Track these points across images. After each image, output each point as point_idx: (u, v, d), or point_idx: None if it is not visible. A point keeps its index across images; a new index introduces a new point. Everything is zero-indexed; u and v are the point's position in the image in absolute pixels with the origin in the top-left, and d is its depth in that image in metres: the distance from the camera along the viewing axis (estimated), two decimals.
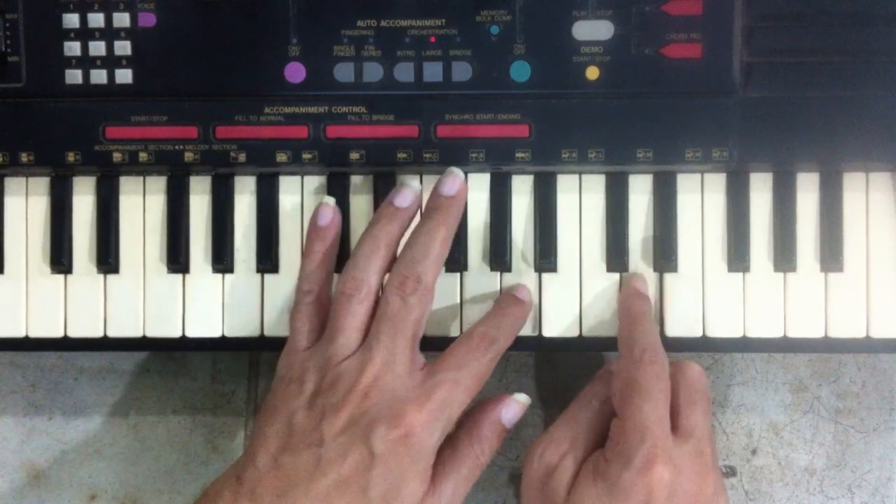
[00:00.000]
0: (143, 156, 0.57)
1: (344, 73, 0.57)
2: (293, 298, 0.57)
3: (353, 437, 0.51)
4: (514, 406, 0.55)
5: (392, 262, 0.55)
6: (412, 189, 0.56)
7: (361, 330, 0.53)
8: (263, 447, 0.52)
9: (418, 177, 0.58)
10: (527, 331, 0.57)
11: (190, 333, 0.58)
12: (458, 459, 0.53)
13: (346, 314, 0.53)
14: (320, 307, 0.55)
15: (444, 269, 0.58)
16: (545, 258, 0.57)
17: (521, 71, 0.56)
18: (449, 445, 0.54)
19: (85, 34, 0.57)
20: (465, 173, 0.58)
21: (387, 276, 0.55)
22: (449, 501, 0.53)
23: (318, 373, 0.53)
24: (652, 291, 0.57)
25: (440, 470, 0.53)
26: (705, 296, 0.57)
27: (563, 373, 0.63)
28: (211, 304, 0.58)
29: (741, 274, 0.57)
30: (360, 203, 0.58)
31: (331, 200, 0.57)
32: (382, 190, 0.58)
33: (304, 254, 0.56)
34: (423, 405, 0.51)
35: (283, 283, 0.58)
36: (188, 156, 0.57)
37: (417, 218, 0.56)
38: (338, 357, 0.53)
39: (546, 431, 0.55)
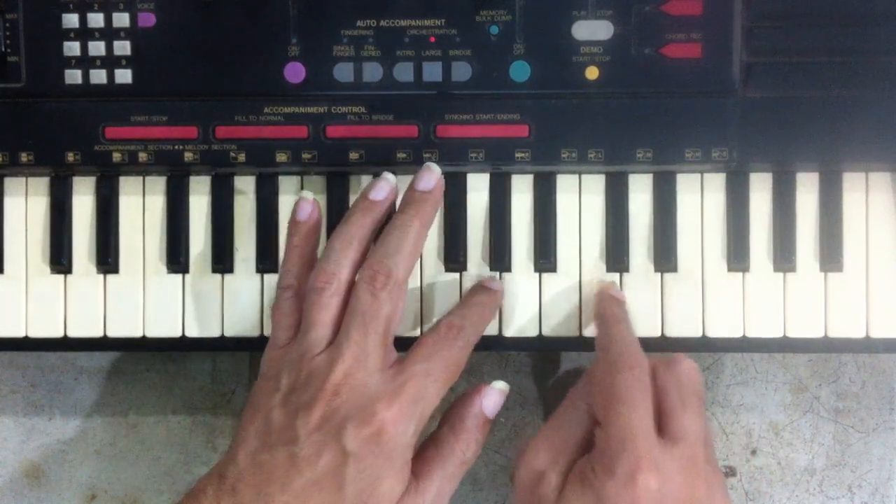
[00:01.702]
0: (142, 156, 0.57)
1: (344, 73, 0.57)
2: None
3: (326, 435, 0.50)
4: (494, 394, 0.55)
5: (363, 256, 0.54)
6: (387, 182, 0.55)
7: (334, 324, 0.53)
8: (243, 445, 0.52)
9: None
10: (527, 331, 0.57)
11: (190, 333, 0.58)
12: (442, 456, 0.53)
13: (319, 308, 0.53)
14: (299, 303, 0.55)
15: (443, 269, 0.58)
16: (545, 258, 0.57)
17: (520, 71, 0.56)
18: (432, 443, 0.54)
19: (85, 34, 0.57)
20: (465, 173, 0.58)
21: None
22: (434, 499, 0.52)
23: (293, 369, 0.52)
24: (652, 291, 0.57)
25: (424, 468, 0.53)
26: (705, 296, 0.57)
27: (563, 372, 0.63)
28: (210, 304, 0.58)
29: (741, 274, 0.57)
30: None
31: (308, 195, 0.56)
32: None
33: (285, 249, 0.56)
34: (393, 401, 0.51)
35: None
36: (188, 156, 0.57)
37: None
38: (311, 352, 0.52)
39: (534, 436, 0.54)
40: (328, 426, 0.50)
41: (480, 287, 0.56)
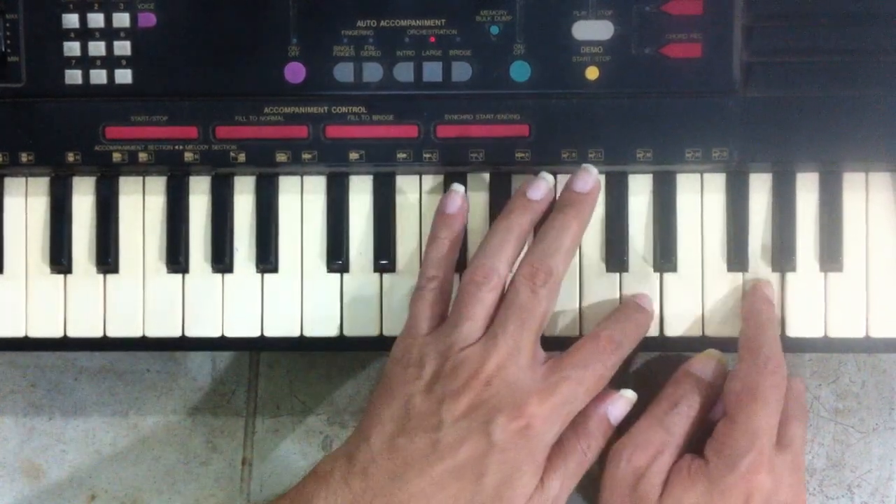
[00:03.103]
0: (142, 156, 0.57)
1: (344, 73, 0.57)
2: (289, 297, 0.57)
3: (472, 423, 0.50)
4: (621, 402, 0.55)
5: (520, 254, 0.55)
6: (545, 182, 0.55)
7: (487, 319, 0.53)
8: (378, 429, 0.52)
9: (551, 174, 0.57)
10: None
11: (190, 333, 0.58)
12: (565, 455, 0.53)
13: (475, 302, 0.53)
14: (442, 295, 0.55)
15: None
16: None
17: (521, 71, 0.56)
18: (556, 443, 0.53)
19: (85, 34, 0.57)
20: (465, 173, 0.58)
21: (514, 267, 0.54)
22: (556, 497, 0.53)
23: (439, 358, 0.52)
24: (652, 291, 0.57)
25: (548, 465, 0.53)
26: (705, 295, 0.57)
27: None
28: (211, 304, 0.58)
29: (741, 274, 0.57)
30: (361, 203, 0.58)
31: (460, 188, 0.56)
32: (380, 191, 0.58)
33: (430, 240, 0.56)
34: (545, 399, 0.51)
35: (283, 283, 0.58)
36: (188, 156, 0.57)
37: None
38: (461, 344, 0.52)
39: (629, 434, 0.55)
40: (475, 415, 0.51)
41: (637, 305, 0.56)
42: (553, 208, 0.55)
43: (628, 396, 0.55)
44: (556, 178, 0.57)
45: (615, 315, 0.56)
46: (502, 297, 0.54)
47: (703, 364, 0.56)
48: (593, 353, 0.53)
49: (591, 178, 0.55)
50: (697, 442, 0.55)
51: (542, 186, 0.55)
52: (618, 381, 0.55)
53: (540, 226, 0.55)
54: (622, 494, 0.53)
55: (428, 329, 0.54)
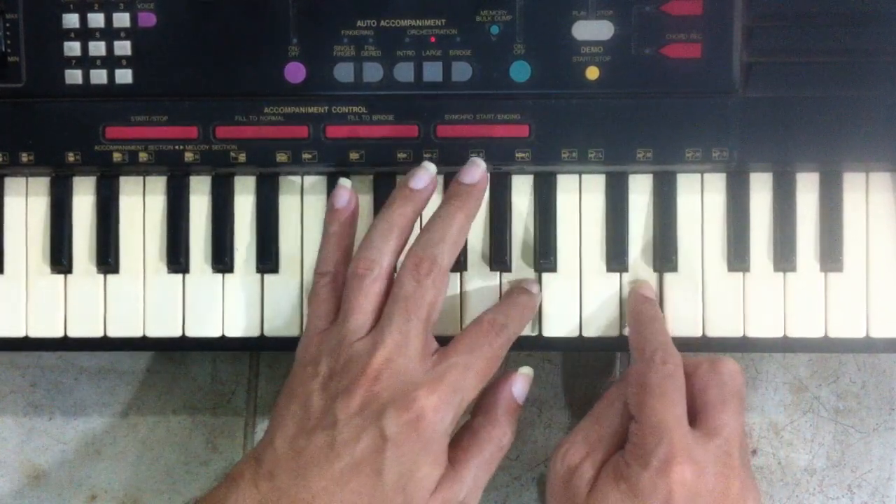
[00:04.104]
0: (143, 156, 0.57)
1: (344, 73, 0.57)
2: (289, 297, 0.57)
3: (365, 419, 0.51)
4: (521, 379, 0.55)
5: (405, 246, 0.55)
6: (427, 171, 0.55)
7: (374, 311, 0.53)
8: (281, 430, 0.52)
9: (433, 164, 0.57)
10: (527, 331, 0.57)
11: (190, 333, 0.58)
12: (478, 444, 0.53)
13: (359, 294, 0.53)
14: (337, 290, 0.55)
15: None
16: (545, 258, 0.57)
17: (521, 71, 0.56)
18: (468, 431, 0.54)
19: (85, 34, 0.57)
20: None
21: (401, 259, 0.54)
22: (472, 487, 0.53)
23: (332, 355, 0.53)
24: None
25: (462, 455, 0.53)
26: (705, 296, 0.57)
27: (564, 373, 0.63)
28: (211, 304, 0.58)
29: (741, 274, 0.57)
30: (362, 203, 0.58)
31: (347, 183, 0.57)
32: (382, 190, 0.58)
33: (322, 236, 0.56)
34: (434, 389, 0.51)
35: (282, 283, 0.58)
36: (188, 156, 0.57)
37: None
38: (350, 338, 0.53)
39: (570, 432, 0.55)
40: (368, 411, 0.51)
41: (521, 289, 0.57)
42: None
43: (526, 372, 0.56)
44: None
45: (501, 300, 0.56)
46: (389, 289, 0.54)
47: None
48: (477, 338, 0.53)
49: (479, 171, 0.55)
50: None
51: (424, 176, 0.55)
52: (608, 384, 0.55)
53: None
54: (558, 491, 0.53)
55: (323, 326, 0.54)
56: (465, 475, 0.52)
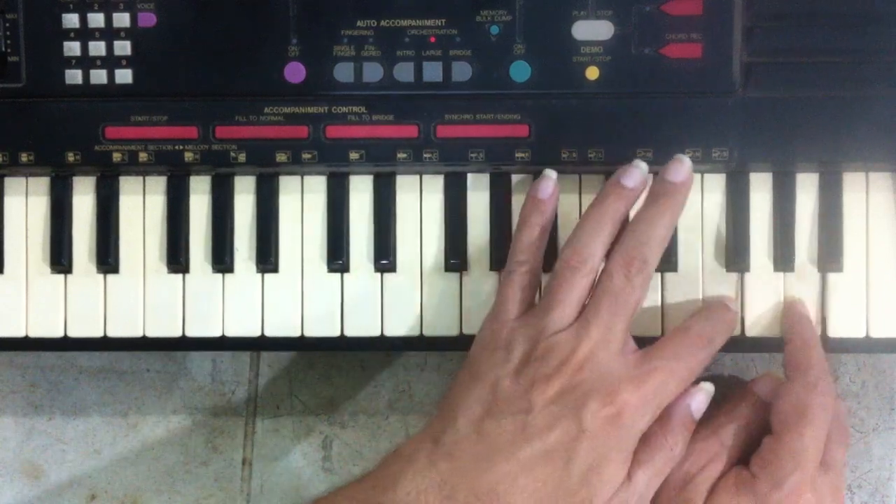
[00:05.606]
0: (143, 156, 0.57)
1: (344, 73, 0.57)
2: (289, 296, 0.57)
3: (563, 408, 0.50)
4: (701, 395, 0.54)
5: (613, 241, 0.54)
6: (640, 169, 0.55)
7: (579, 305, 0.53)
8: (464, 412, 0.51)
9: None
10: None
11: (190, 333, 0.58)
12: (651, 451, 0.53)
13: (569, 287, 0.52)
14: (532, 279, 0.55)
15: (443, 268, 0.58)
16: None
17: (520, 71, 0.56)
18: (642, 440, 0.52)
19: (85, 34, 0.57)
20: (465, 173, 0.58)
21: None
22: (643, 493, 0.52)
23: (529, 342, 0.52)
24: (652, 291, 0.57)
25: (635, 460, 0.52)
26: (705, 295, 0.57)
27: None
28: (211, 304, 0.58)
29: (741, 274, 0.57)
30: (361, 203, 0.58)
31: (552, 174, 0.56)
32: (382, 190, 0.58)
33: (520, 225, 0.55)
34: (637, 387, 0.51)
35: (283, 283, 0.58)
36: (188, 156, 0.57)
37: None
38: (551, 329, 0.52)
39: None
40: (566, 399, 0.50)
41: (724, 304, 0.56)
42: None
43: (708, 389, 0.54)
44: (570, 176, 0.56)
45: (704, 312, 0.55)
46: (593, 285, 0.53)
47: (765, 384, 0.56)
48: (685, 346, 0.53)
49: (685, 168, 0.54)
50: (743, 455, 0.55)
51: (636, 174, 0.54)
52: None
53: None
54: (668, 495, 0.53)
55: (517, 313, 0.54)
56: (638, 481, 0.52)
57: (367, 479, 0.51)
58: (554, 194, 0.56)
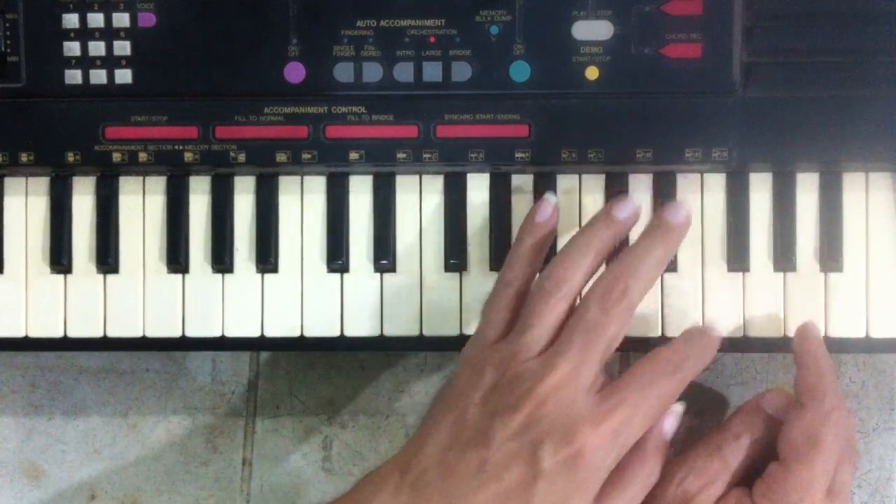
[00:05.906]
0: (142, 156, 0.57)
1: (344, 73, 0.57)
2: (290, 297, 0.57)
3: (521, 446, 0.49)
4: (672, 418, 0.53)
5: (597, 271, 0.53)
6: (632, 202, 0.54)
7: (553, 330, 0.51)
8: (434, 437, 0.51)
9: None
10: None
11: (190, 333, 0.58)
12: (626, 481, 0.51)
13: (543, 310, 0.51)
14: (518, 301, 0.53)
15: (443, 269, 0.58)
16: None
17: (520, 71, 0.56)
18: (614, 469, 0.51)
19: (85, 34, 0.57)
20: (465, 173, 0.58)
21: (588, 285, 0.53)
22: None
23: (500, 367, 0.51)
24: (651, 291, 0.57)
25: (608, 492, 0.50)
26: (705, 296, 0.57)
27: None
28: (211, 304, 0.58)
29: (741, 274, 0.57)
30: (361, 203, 0.58)
31: (553, 198, 0.55)
32: (380, 191, 0.58)
33: (514, 245, 0.55)
34: (598, 425, 0.49)
35: (283, 283, 0.58)
36: (188, 156, 0.57)
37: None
38: (523, 354, 0.50)
39: (685, 456, 0.54)
40: (525, 437, 0.49)
41: (700, 329, 0.54)
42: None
43: (678, 410, 0.53)
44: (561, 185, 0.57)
45: (677, 338, 0.53)
46: (572, 310, 0.52)
47: (775, 400, 0.55)
48: (651, 376, 0.50)
49: (683, 211, 0.53)
50: (746, 474, 0.54)
51: (629, 206, 0.53)
52: None
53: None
54: None
55: (496, 336, 0.53)
56: None
57: (341, 500, 0.51)
58: (553, 217, 0.55)
